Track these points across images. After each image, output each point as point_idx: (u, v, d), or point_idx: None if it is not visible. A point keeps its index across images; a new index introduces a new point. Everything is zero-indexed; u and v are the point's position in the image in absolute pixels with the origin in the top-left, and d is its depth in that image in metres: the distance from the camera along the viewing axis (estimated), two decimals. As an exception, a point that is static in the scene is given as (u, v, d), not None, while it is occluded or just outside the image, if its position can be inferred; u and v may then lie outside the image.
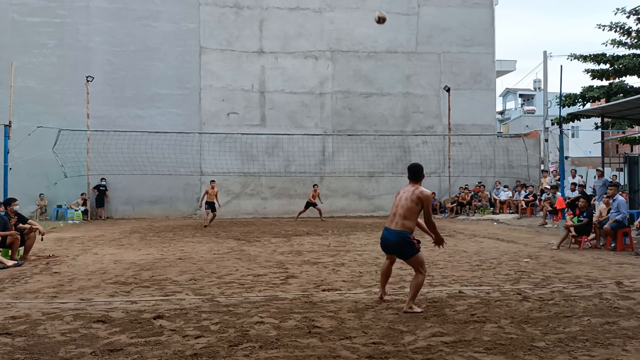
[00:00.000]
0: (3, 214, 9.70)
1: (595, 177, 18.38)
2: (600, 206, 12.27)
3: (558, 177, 17.77)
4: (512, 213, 20.00)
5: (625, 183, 18.76)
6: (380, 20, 12.01)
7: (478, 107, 23.20)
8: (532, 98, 49.62)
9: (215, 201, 17.28)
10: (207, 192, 17.34)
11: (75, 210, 19.88)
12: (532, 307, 5.77)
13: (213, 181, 17.80)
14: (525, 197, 19.75)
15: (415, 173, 5.77)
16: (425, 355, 4.21)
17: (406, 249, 5.58)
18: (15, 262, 9.02)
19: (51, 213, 20.36)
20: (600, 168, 16.71)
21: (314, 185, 19.76)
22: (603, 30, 22.38)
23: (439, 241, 5.86)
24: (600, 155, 21.13)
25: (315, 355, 4.22)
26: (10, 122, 13.72)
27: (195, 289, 6.91)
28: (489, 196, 21.52)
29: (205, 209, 17.41)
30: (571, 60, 23.16)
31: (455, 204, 21.37)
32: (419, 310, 5.54)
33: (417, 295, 5.73)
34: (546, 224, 16.40)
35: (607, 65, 22.33)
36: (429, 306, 5.82)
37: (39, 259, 9.73)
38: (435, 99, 23.37)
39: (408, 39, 23.25)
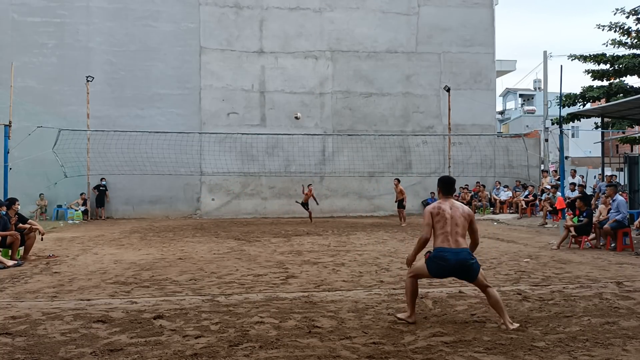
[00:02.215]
0: (4, 213, 9.70)
1: (597, 179, 18.40)
2: (600, 206, 12.28)
3: (558, 177, 17.77)
4: (512, 213, 20.00)
5: (625, 183, 18.77)
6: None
7: (478, 107, 23.20)
8: (532, 98, 49.62)
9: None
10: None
11: (75, 210, 19.88)
12: (532, 307, 5.77)
13: (396, 179, 18.30)
14: (525, 197, 19.75)
15: (450, 186, 5.34)
16: (425, 355, 4.21)
17: (474, 267, 5.08)
18: (15, 262, 9.02)
19: (51, 213, 20.36)
20: (613, 173, 16.56)
21: (308, 185, 19.28)
22: (603, 30, 22.39)
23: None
24: (600, 155, 21.13)
25: (315, 355, 4.22)
26: (10, 122, 13.71)
27: (195, 289, 6.91)
28: (489, 196, 21.52)
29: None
30: (571, 60, 23.17)
31: (455, 204, 21.32)
32: (514, 326, 5.01)
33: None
34: (546, 224, 16.41)
35: (607, 66, 22.33)
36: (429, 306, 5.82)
37: (39, 259, 9.73)
38: (435, 99, 23.37)
39: (408, 39, 23.25)
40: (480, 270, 5.15)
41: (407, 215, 18.25)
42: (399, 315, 5.27)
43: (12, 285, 7.19)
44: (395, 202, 18.65)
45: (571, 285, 7.01)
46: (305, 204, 18.83)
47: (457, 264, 4.99)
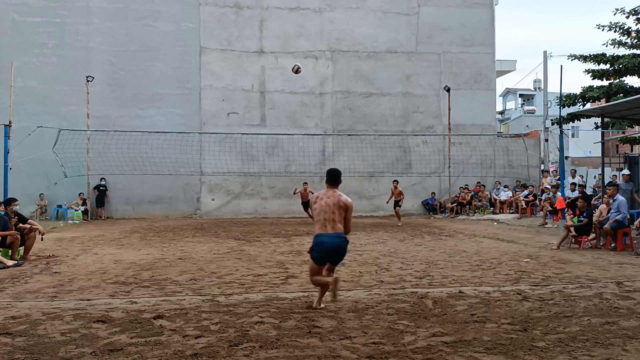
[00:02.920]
0: (3, 213, 9.70)
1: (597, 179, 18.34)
2: (600, 206, 12.28)
3: (558, 177, 17.76)
4: (512, 213, 20.00)
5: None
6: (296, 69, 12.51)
7: (478, 107, 23.21)
8: (532, 98, 49.61)
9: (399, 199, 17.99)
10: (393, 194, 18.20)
11: (76, 210, 19.88)
12: (532, 307, 5.77)
13: (395, 181, 18.27)
14: (525, 197, 19.74)
15: (336, 177, 5.83)
16: (425, 355, 4.21)
17: (344, 252, 5.72)
18: (15, 262, 9.02)
19: (51, 213, 20.36)
20: (627, 171, 16.46)
21: (304, 184, 18.93)
22: (603, 30, 22.35)
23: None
24: (600, 155, 21.11)
25: (315, 355, 4.22)
26: (10, 122, 13.72)
27: (195, 288, 6.91)
28: (489, 196, 21.52)
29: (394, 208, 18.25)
30: (571, 60, 23.14)
31: (455, 204, 21.37)
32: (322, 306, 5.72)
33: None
34: (546, 224, 16.40)
35: (607, 66, 22.31)
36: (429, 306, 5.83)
37: (39, 259, 9.73)
38: (435, 99, 23.37)
39: (408, 39, 23.25)
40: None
41: (406, 215, 18.27)
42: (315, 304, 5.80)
43: (12, 285, 7.19)
44: (387, 203, 18.70)
45: (571, 285, 7.01)
46: (306, 203, 18.48)
47: (333, 247, 5.55)
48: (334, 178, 5.79)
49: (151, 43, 21.82)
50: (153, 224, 18.11)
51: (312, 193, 18.14)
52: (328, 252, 5.56)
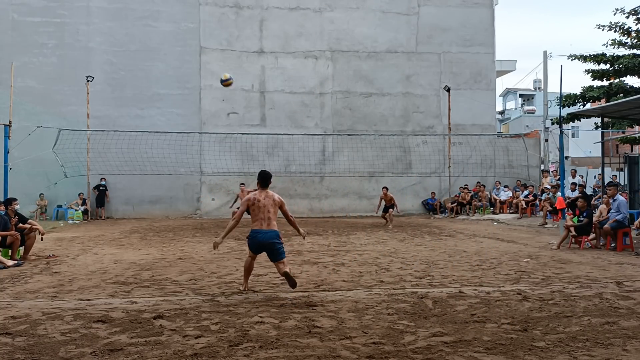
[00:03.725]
0: (3, 213, 9.70)
1: (597, 179, 18.34)
2: (600, 206, 12.27)
3: (558, 177, 17.76)
4: (512, 213, 20.00)
5: (626, 183, 18.76)
6: (226, 82, 12.24)
7: (478, 107, 23.21)
8: (532, 98, 49.61)
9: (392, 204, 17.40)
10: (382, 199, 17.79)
11: (76, 210, 19.88)
12: (532, 307, 5.77)
13: (385, 187, 17.88)
14: (525, 197, 19.74)
15: (267, 179, 6.70)
16: (425, 355, 4.21)
17: (279, 248, 6.42)
18: (16, 262, 9.02)
19: (51, 213, 20.37)
20: (613, 173, 16.52)
21: (240, 185, 19.54)
22: (603, 30, 22.38)
23: (304, 234, 6.92)
24: (600, 155, 21.12)
25: (315, 355, 4.22)
26: (10, 122, 13.73)
27: (196, 288, 6.91)
28: (489, 196, 21.52)
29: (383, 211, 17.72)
30: (571, 60, 23.16)
31: (455, 204, 21.37)
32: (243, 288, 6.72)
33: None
34: (546, 224, 16.40)
35: (607, 66, 22.32)
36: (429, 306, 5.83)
37: (39, 258, 9.73)
38: (435, 99, 23.37)
39: (408, 39, 23.26)
40: (285, 259, 6.43)
41: (406, 215, 18.24)
42: (240, 288, 6.76)
43: (12, 285, 7.19)
44: (376, 212, 18.43)
45: (571, 285, 7.01)
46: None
47: (266, 242, 6.39)
48: (265, 180, 6.68)
49: (151, 43, 21.83)
50: (153, 224, 18.11)
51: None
52: (262, 245, 6.42)
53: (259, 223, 6.47)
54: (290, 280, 6.31)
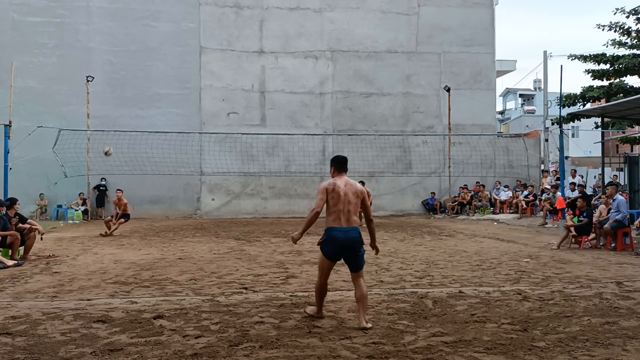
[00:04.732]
0: (3, 213, 9.70)
1: (597, 179, 18.30)
2: (600, 206, 12.27)
3: (558, 177, 17.75)
4: (512, 213, 19.99)
5: (625, 183, 18.76)
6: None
7: (478, 107, 23.20)
8: (532, 98, 49.61)
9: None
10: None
11: (76, 210, 19.88)
12: (532, 307, 5.77)
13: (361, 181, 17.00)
14: (525, 197, 19.74)
15: (344, 163, 5.28)
16: (425, 355, 4.21)
17: (360, 250, 5.18)
18: (16, 262, 9.02)
19: (51, 213, 20.35)
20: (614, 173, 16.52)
21: (117, 191, 15.16)
22: (603, 30, 22.37)
23: (378, 248, 5.62)
24: (600, 155, 21.12)
25: (315, 355, 4.22)
26: (10, 122, 13.71)
27: (196, 288, 6.91)
28: (489, 196, 21.52)
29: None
30: (571, 60, 23.16)
31: (455, 204, 21.37)
32: (369, 325, 4.98)
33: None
34: (546, 224, 16.40)
35: (607, 65, 22.32)
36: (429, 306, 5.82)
37: (39, 258, 9.73)
38: (435, 99, 23.37)
39: (408, 39, 23.25)
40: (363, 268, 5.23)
41: (406, 215, 18.23)
42: (307, 310, 5.46)
43: (12, 285, 7.19)
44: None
45: (571, 285, 7.01)
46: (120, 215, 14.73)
47: (346, 242, 5.04)
48: (342, 164, 5.23)
49: (151, 43, 21.82)
50: (153, 224, 18.10)
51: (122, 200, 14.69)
52: (342, 248, 5.07)
53: (337, 217, 5.05)
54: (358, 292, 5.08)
